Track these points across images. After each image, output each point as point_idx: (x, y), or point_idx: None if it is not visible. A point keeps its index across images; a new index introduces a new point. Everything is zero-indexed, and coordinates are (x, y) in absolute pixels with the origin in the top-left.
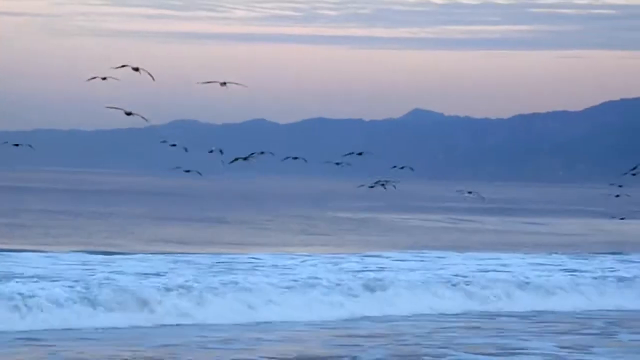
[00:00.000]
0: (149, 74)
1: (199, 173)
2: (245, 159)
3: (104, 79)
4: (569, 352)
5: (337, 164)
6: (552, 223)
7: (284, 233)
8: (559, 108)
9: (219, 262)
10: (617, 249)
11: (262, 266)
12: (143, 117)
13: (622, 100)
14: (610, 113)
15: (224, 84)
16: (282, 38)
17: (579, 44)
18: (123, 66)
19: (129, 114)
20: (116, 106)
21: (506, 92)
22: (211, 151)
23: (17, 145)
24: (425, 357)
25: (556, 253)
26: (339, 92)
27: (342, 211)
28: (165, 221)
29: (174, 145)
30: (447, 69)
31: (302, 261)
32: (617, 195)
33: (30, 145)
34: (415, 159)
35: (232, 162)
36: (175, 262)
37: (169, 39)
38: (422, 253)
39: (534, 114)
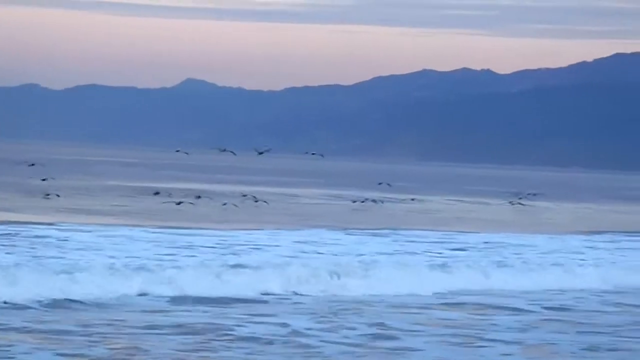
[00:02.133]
0: None
1: None
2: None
3: None
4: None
5: None
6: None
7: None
8: (332, 82)
9: None
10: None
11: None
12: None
13: (392, 76)
14: (381, 88)
15: None
16: (57, 3)
17: (352, 19)
18: None
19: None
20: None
21: (279, 65)
22: None
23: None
24: None
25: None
26: (113, 59)
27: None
28: None
29: None
30: (221, 39)
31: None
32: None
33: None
34: (189, 129)
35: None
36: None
37: None
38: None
39: (306, 87)
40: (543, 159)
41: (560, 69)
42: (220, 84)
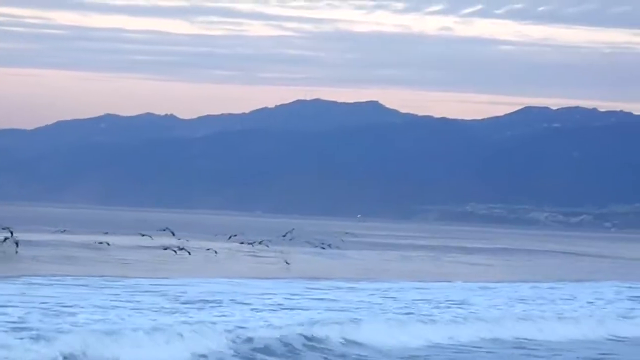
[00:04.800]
0: None
1: None
2: None
3: None
4: None
5: None
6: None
7: None
8: (13, 126)
9: None
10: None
11: None
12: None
13: (75, 120)
14: (63, 133)
15: None
16: None
17: (32, 62)
18: None
19: None
20: None
21: None
22: None
23: None
24: None
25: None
26: None
27: None
28: None
29: None
30: None
31: None
32: None
33: None
34: None
35: None
36: None
37: None
38: None
39: None
40: (225, 204)
41: (243, 115)
42: None
